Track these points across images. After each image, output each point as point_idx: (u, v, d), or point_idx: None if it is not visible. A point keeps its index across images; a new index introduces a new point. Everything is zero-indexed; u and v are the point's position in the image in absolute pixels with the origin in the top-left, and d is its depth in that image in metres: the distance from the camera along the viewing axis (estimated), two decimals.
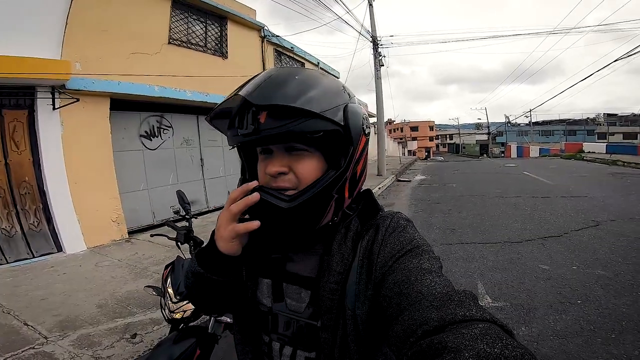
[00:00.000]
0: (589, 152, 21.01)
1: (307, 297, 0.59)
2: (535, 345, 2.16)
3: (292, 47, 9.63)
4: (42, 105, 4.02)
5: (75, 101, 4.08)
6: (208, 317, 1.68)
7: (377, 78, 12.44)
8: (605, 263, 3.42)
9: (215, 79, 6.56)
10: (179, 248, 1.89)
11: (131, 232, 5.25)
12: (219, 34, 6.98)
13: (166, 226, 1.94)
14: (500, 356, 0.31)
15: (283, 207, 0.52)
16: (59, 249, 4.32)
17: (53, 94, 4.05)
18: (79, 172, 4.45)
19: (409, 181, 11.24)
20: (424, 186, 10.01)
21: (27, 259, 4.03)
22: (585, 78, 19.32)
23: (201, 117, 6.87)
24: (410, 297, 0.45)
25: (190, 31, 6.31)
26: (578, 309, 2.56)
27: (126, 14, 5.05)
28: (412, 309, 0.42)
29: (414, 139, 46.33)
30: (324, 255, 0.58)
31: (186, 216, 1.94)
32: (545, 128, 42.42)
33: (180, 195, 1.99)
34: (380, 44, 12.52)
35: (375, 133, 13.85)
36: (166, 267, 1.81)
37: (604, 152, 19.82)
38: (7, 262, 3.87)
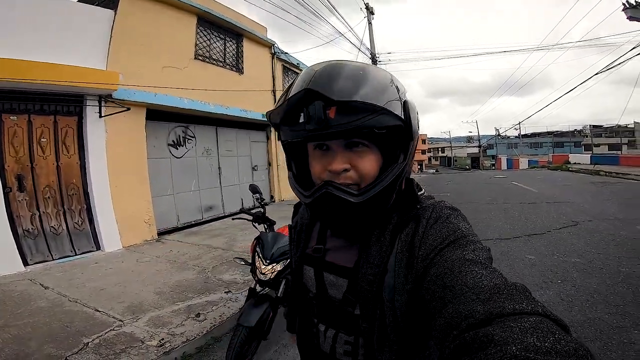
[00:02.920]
0: (575, 163, 21.68)
1: (344, 285, 0.61)
2: None
3: (297, 64, 10.25)
4: (90, 113, 4.40)
5: (126, 110, 4.48)
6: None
7: None
8: (580, 253, 3.98)
9: (233, 93, 7.05)
10: (256, 227, 2.46)
11: (159, 234, 5.54)
12: (235, 50, 7.52)
13: (241, 212, 2.51)
14: (551, 350, 0.29)
15: (353, 201, 0.53)
16: (98, 247, 4.58)
17: (100, 103, 4.44)
18: (119, 176, 4.78)
19: None
20: None
21: (69, 256, 4.28)
22: (571, 90, 20.24)
23: (220, 129, 7.33)
24: (454, 289, 0.43)
25: (212, 47, 6.83)
26: (558, 287, 3.09)
27: (159, 29, 5.53)
28: (456, 302, 0.41)
29: None
30: (362, 247, 0.59)
31: (262, 203, 2.50)
32: (534, 140, 43.60)
33: (255, 188, 2.57)
34: (379, 60, 13.28)
35: None
36: (254, 240, 2.28)
37: (589, 162, 20.40)
38: (53, 259, 4.12)
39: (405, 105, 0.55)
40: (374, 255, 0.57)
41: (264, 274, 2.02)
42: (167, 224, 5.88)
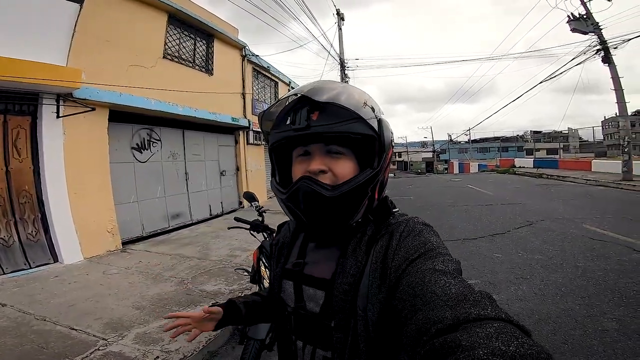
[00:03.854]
0: (520, 166, 22.74)
1: (321, 298, 0.62)
2: (507, 306, 2.86)
3: (268, 67, 10.20)
4: (47, 113, 3.97)
5: (91, 110, 4.11)
6: None
7: None
8: (540, 250, 4.42)
9: (202, 95, 6.82)
10: (254, 236, 2.38)
11: (124, 243, 5.13)
12: (205, 50, 7.28)
13: (235, 220, 2.37)
14: (516, 354, 0.30)
15: (327, 195, 0.56)
16: (56, 259, 4.13)
17: (58, 102, 4.02)
18: (79, 182, 4.36)
19: None
20: None
21: (23, 269, 3.80)
22: (518, 98, 22.27)
23: (187, 132, 7.02)
24: (424, 297, 0.44)
25: (182, 47, 6.55)
26: (529, 282, 3.40)
27: (128, 26, 5.18)
28: (426, 309, 0.42)
29: None
30: (339, 258, 0.61)
31: (260, 211, 2.43)
32: (482, 145, 46.71)
33: (251, 196, 2.45)
34: (347, 66, 13.68)
35: None
36: (257, 250, 2.28)
37: (532, 166, 21.48)
38: (4, 273, 3.63)
39: (380, 122, 0.61)
40: (350, 265, 0.59)
41: None
42: (131, 233, 5.47)
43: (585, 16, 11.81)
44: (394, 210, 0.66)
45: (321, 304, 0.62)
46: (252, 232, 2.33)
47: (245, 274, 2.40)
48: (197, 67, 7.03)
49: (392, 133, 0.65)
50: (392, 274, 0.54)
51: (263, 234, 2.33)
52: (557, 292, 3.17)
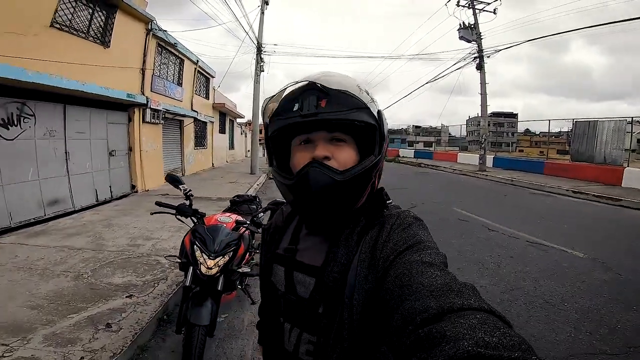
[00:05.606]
0: (403, 156, 25.54)
1: (311, 284, 0.64)
2: None
3: (175, 43, 9.48)
4: None
5: None
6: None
7: (257, 82, 13.27)
8: None
9: (94, 68, 6.11)
10: (182, 221, 2.24)
11: None
12: (104, 21, 6.42)
13: (157, 205, 2.19)
14: (499, 345, 0.31)
15: (337, 179, 0.58)
16: None
17: None
18: None
19: None
20: None
21: None
22: (408, 94, 25.62)
23: (69, 107, 6.19)
24: (411, 288, 0.45)
25: (76, 16, 5.65)
26: None
27: None
28: (412, 299, 0.43)
29: None
30: (331, 246, 0.63)
31: (188, 194, 2.25)
32: None
33: (175, 178, 2.25)
34: (265, 50, 13.48)
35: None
36: (188, 234, 2.17)
37: (413, 156, 24.55)
38: None
39: (379, 112, 0.64)
40: (341, 254, 0.60)
41: (209, 268, 1.96)
42: None
43: (473, 26, 14.06)
44: (387, 202, 0.68)
45: (311, 291, 0.63)
46: (178, 217, 2.18)
47: (177, 261, 2.25)
48: (91, 38, 6.19)
49: (387, 123, 0.68)
50: (380, 265, 0.55)
51: (192, 219, 2.20)
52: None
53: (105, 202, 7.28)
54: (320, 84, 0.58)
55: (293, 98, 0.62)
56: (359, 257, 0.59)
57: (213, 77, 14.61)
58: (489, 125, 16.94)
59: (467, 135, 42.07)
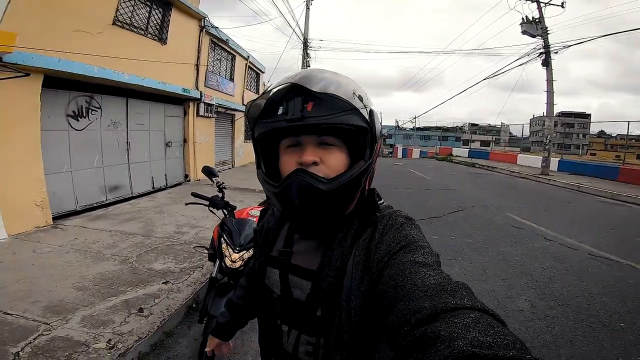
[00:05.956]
0: (457, 155, 24.68)
1: (308, 287, 0.63)
2: None
3: (227, 40, 9.75)
4: None
5: (25, 75, 3.72)
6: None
7: None
8: (469, 234, 4.94)
9: (151, 63, 6.45)
10: (213, 212, 2.29)
11: (54, 218, 4.90)
12: (161, 19, 6.77)
13: (193, 195, 2.27)
14: (493, 344, 0.31)
15: (323, 188, 0.55)
16: None
17: None
18: (3, 150, 4.02)
19: None
20: None
21: None
22: (464, 91, 24.07)
23: (131, 100, 6.64)
24: (405, 288, 0.45)
25: (136, 14, 6.02)
26: (459, 263, 3.88)
27: None
28: (406, 299, 0.43)
29: None
30: (326, 250, 0.62)
31: (221, 186, 2.31)
32: (425, 133, 50.14)
33: (210, 171, 2.31)
34: (311, 46, 13.51)
35: None
36: (217, 226, 2.19)
37: (467, 156, 23.48)
38: None
39: (371, 112, 0.60)
40: (335, 258, 0.60)
41: (234, 261, 1.98)
42: (62, 207, 5.19)
43: (537, 20, 12.89)
44: (379, 202, 0.67)
45: (307, 294, 0.63)
46: (210, 208, 2.24)
47: (205, 251, 2.26)
48: (149, 35, 6.57)
49: (380, 124, 0.64)
50: (374, 266, 0.55)
51: (223, 211, 2.25)
52: (482, 273, 3.56)
53: (160, 189, 7.78)
54: (306, 87, 0.54)
55: (277, 100, 0.58)
56: (354, 260, 0.58)
57: (263, 72, 14.91)
58: (555, 125, 15.13)
59: (530, 136, 38.27)
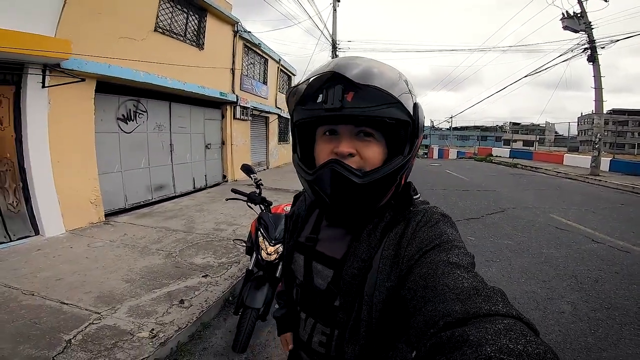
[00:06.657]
0: (497, 155, 23.56)
1: (329, 276, 0.62)
2: None
3: (259, 44, 9.93)
4: (32, 83, 3.85)
5: (80, 81, 4.02)
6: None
7: None
8: (509, 236, 4.70)
9: (190, 69, 6.70)
10: (251, 207, 2.44)
11: (105, 215, 5.22)
12: (197, 25, 7.04)
13: (232, 192, 2.42)
14: (523, 353, 0.30)
15: (357, 182, 0.54)
16: (37, 231, 4.18)
17: (44, 72, 3.91)
18: (62, 151, 4.34)
19: None
20: None
21: (3, 242, 3.83)
22: (503, 89, 22.85)
23: (174, 104, 6.95)
24: (435, 289, 0.43)
25: (174, 21, 6.32)
26: (498, 265, 3.70)
27: None
28: (436, 301, 0.41)
29: None
30: (353, 240, 0.60)
31: (258, 183, 2.50)
32: (462, 133, 47.95)
33: (249, 168, 2.47)
34: (339, 47, 13.47)
35: None
36: (255, 221, 2.31)
37: (508, 156, 22.31)
38: None
39: (415, 106, 0.58)
40: (362, 250, 0.58)
41: (269, 254, 2.06)
42: (113, 204, 5.53)
43: (579, 15, 12.03)
44: (415, 197, 0.64)
45: (328, 282, 0.62)
46: (249, 204, 2.37)
47: (243, 244, 2.48)
48: (188, 41, 6.83)
49: (424, 117, 0.61)
50: (404, 263, 0.53)
51: (260, 206, 2.36)
52: (522, 275, 3.44)
53: (200, 189, 8.06)
54: (347, 76, 0.51)
55: (318, 87, 0.57)
56: (382, 253, 0.57)
57: (294, 75, 15.06)
58: (606, 123, 13.48)
59: (578, 135, 34.83)
